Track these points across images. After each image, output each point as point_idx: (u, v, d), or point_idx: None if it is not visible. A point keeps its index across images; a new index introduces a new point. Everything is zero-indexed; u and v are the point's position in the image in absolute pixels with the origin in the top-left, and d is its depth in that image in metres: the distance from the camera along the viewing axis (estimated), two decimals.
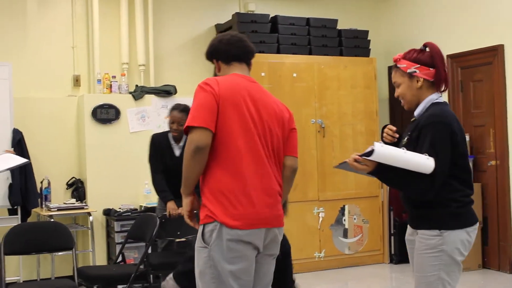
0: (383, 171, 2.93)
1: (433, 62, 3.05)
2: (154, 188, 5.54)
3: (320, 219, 7.17)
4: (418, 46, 3.16)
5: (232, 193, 2.86)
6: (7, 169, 5.55)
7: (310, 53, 7.27)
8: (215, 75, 3.21)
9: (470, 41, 7.06)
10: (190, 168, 2.88)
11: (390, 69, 7.04)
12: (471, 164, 6.89)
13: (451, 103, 7.25)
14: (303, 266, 7.01)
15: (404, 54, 3.13)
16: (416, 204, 3.05)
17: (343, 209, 7.31)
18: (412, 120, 3.15)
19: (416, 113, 3.12)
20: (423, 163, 2.85)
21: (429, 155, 2.87)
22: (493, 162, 6.88)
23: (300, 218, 7.04)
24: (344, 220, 7.31)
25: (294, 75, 7.06)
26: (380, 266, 7.29)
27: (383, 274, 7.12)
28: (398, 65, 3.12)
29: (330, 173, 7.07)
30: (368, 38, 7.66)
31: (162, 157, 5.45)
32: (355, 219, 7.35)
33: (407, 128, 3.16)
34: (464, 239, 2.97)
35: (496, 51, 6.78)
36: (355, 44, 7.53)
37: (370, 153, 2.85)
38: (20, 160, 5.51)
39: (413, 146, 3.00)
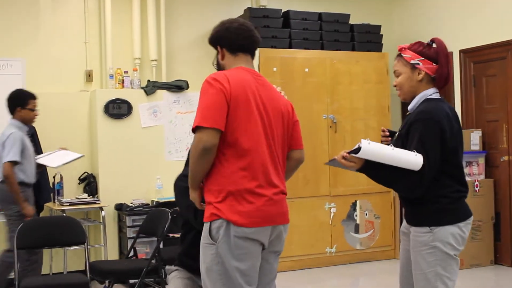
0: (371, 168, 2.95)
1: (437, 58, 3.05)
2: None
3: (332, 214, 7.16)
4: None
5: (238, 190, 2.85)
6: (65, 164, 5.72)
7: (322, 48, 7.24)
8: (218, 62, 3.16)
9: (483, 35, 7.00)
10: (197, 167, 2.87)
11: None
12: (483, 160, 6.86)
13: (464, 98, 7.21)
14: (315, 261, 7.01)
15: (410, 45, 3.13)
16: (409, 201, 3.06)
17: (354, 204, 7.29)
18: (407, 114, 3.16)
19: (409, 107, 3.14)
20: (411, 160, 2.85)
21: (418, 152, 2.87)
22: (505, 158, 6.83)
23: (312, 213, 7.04)
24: (356, 215, 7.30)
25: (306, 70, 7.04)
26: (392, 262, 7.26)
27: (394, 270, 7.05)
28: (402, 55, 3.12)
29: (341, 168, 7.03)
30: (381, 33, 7.62)
31: None
32: (366, 214, 7.34)
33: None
34: (456, 233, 2.96)
35: (510, 46, 6.72)
36: (367, 39, 7.50)
37: (358, 150, 2.86)
38: (75, 155, 5.76)
39: (401, 141, 3.01)
